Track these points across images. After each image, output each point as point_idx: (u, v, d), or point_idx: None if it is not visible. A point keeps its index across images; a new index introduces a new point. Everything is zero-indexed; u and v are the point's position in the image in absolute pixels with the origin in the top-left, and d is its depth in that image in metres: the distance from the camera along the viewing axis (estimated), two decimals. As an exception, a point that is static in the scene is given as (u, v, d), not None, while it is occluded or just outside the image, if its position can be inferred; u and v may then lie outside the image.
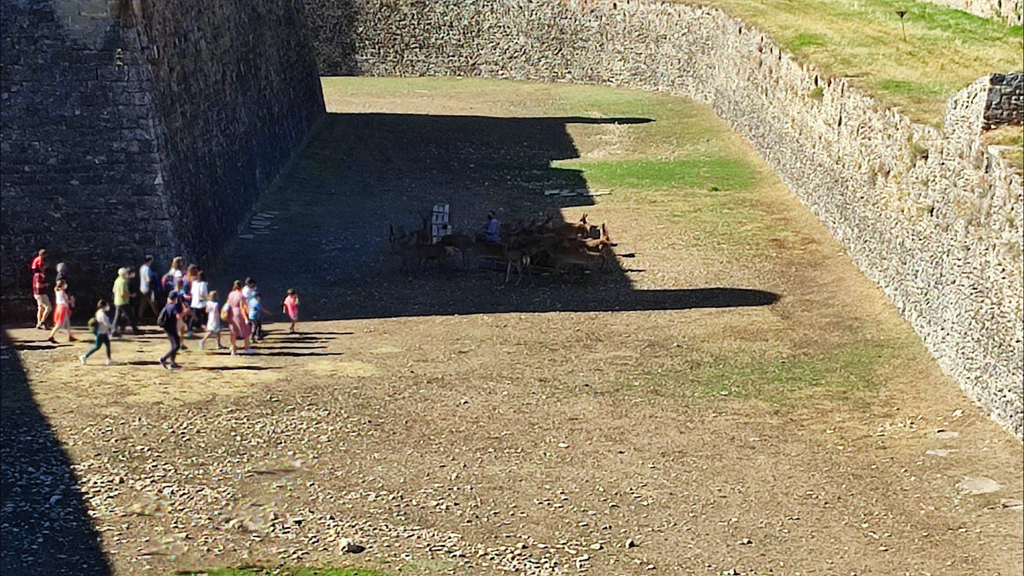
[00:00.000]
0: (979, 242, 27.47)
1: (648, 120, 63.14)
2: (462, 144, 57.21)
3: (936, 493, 23.62)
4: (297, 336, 32.41)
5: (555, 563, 21.04)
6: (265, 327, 32.31)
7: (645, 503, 23.30)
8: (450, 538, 21.84)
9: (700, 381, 29.56)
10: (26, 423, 26.47)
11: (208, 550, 21.25)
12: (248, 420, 26.95)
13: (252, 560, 20.94)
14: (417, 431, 26.50)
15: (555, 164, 53.63)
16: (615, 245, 40.09)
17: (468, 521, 22.50)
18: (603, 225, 40.19)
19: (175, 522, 22.22)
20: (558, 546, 21.62)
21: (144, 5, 34.67)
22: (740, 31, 58.91)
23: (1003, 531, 21.94)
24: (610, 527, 22.35)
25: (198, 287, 32.29)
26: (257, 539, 21.68)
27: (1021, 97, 27.65)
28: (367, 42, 77.61)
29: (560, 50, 75.04)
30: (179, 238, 34.31)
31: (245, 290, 31.69)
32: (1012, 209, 25.83)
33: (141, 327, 32.42)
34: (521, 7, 75.47)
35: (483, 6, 76.20)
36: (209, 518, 22.39)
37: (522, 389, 28.97)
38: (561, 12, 74.64)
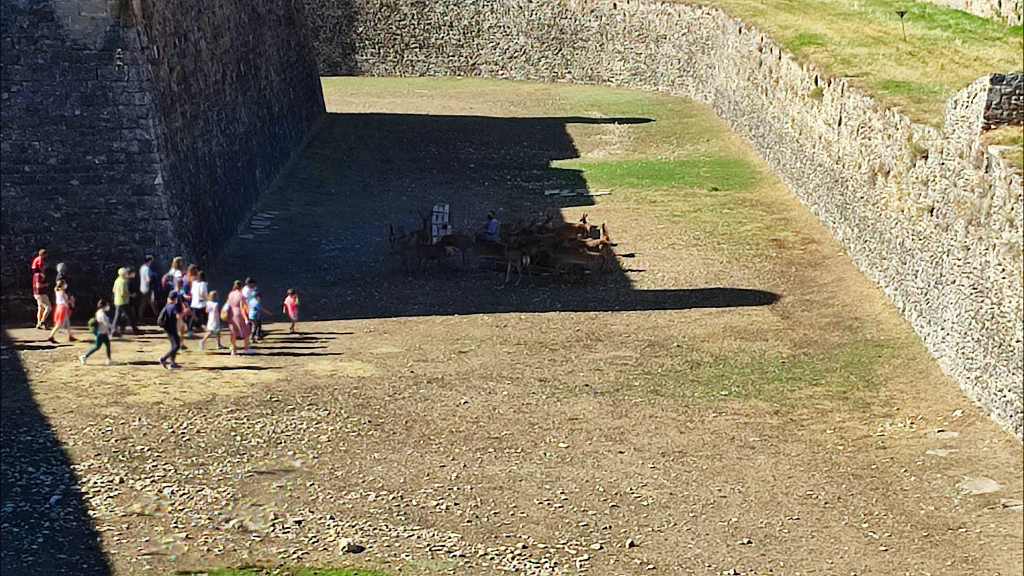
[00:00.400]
0: (979, 242, 27.46)
1: (648, 120, 63.12)
2: (462, 144, 57.19)
3: (936, 493, 23.61)
4: (297, 336, 32.41)
5: (555, 563, 21.03)
6: (265, 327, 32.31)
7: (645, 503, 23.30)
8: (450, 538, 21.83)
9: (700, 381, 29.55)
10: (26, 423, 26.47)
11: (208, 550, 21.25)
12: (248, 420, 26.95)
13: (252, 560, 20.94)
14: (417, 431, 26.50)
15: (555, 164, 53.61)
16: (615, 245, 40.08)
17: (468, 521, 22.50)
18: (603, 225, 40.17)
19: (175, 522, 22.22)
20: (558, 546, 21.62)
21: (144, 5, 34.66)
22: (740, 31, 58.89)
23: (1003, 531, 21.94)
24: (610, 527, 22.35)
25: (198, 287, 32.28)
26: (257, 539, 21.68)
27: (1021, 97, 27.64)
28: (367, 42, 77.60)
29: (560, 50, 75.03)
30: (179, 238, 34.31)
31: (245, 290, 31.69)
32: (1012, 209, 25.82)
33: (141, 327, 32.42)
34: (521, 7, 75.46)
35: (483, 6, 76.19)
36: (209, 518, 22.39)
37: (522, 389, 28.96)
38: (561, 12, 74.63)
